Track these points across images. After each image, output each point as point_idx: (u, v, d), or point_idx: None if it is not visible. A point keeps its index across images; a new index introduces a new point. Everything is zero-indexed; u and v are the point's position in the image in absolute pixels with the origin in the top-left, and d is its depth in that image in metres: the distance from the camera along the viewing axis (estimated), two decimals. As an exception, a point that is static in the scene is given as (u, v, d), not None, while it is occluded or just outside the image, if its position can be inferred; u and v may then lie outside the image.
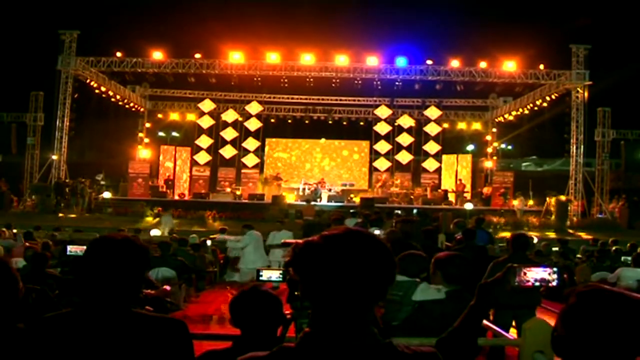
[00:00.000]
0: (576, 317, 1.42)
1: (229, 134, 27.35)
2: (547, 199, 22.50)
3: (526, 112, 25.97)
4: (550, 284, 1.82)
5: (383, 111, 27.30)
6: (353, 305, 1.35)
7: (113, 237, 1.95)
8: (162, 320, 1.89)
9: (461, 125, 29.64)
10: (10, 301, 2.08)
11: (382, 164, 27.27)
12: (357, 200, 24.28)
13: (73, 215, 20.90)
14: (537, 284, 1.81)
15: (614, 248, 12.40)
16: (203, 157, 27.30)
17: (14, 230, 13.00)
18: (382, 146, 27.40)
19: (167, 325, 1.86)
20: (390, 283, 1.41)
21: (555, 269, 1.84)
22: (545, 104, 24.48)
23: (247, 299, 2.59)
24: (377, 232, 6.80)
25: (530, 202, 24.13)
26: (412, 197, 25.09)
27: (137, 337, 1.78)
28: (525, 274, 1.80)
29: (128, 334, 1.78)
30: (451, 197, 25.31)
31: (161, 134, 31.89)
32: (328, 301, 1.35)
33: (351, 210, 16.34)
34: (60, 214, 20.91)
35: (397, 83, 24.84)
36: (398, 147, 27.32)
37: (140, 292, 1.96)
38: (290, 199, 24.21)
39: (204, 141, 27.48)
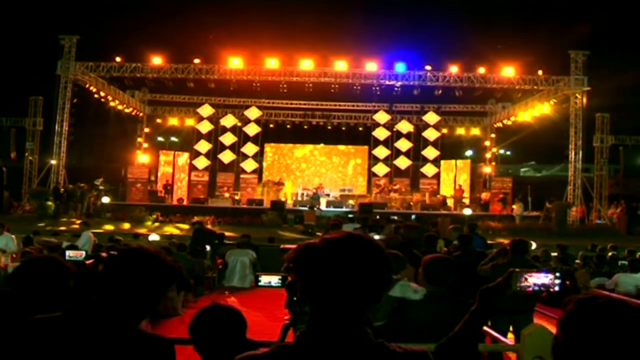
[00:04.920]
0: (575, 324, 1.41)
1: (228, 139, 27.35)
2: (547, 204, 22.49)
3: (525, 117, 25.99)
4: (551, 289, 1.82)
5: (382, 116, 27.32)
6: (349, 306, 1.40)
7: (147, 249, 1.94)
8: (149, 338, 1.84)
9: (460, 131, 29.67)
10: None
11: (381, 169, 27.28)
12: (351, 202, 24.36)
13: (74, 222, 20.86)
14: (539, 289, 1.81)
15: (610, 254, 12.40)
16: (202, 162, 27.30)
17: (13, 236, 12.94)
18: (381, 151, 27.41)
19: (153, 343, 1.82)
20: (387, 287, 1.46)
21: (557, 274, 1.83)
22: (544, 110, 24.51)
23: (206, 319, 2.37)
24: (376, 237, 6.81)
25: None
26: (410, 202, 25.08)
27: (120, 351, 1.76)
28: (526, 279, 1.80)
29: (111, 347, 1.75)
30: (450, 202, 25.31)
31: (160, 139, 31.90)
32: (326, 301, 1.40)
33: (349, 216, 16.36)
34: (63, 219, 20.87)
35: (396, 88, 24.86)
36: (397, 153, 27.34)
37: (153, 309, 1.95)
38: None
39: (203, 146, 27.48)
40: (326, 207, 23.20)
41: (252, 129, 27.54)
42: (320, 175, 28.88)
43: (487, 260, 6.46)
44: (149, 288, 1.86)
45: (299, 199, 24.89)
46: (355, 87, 24.79)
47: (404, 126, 27.65)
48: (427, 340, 2.62)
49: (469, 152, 31.43)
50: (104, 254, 8.04)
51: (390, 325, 3.30)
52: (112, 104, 25.93)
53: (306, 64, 23.66)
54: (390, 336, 1.45)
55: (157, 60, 23.74)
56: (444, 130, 28.57)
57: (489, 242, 10.97)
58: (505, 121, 27.63)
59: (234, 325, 2.38)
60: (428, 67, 23.96)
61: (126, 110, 27.37)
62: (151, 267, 1.87)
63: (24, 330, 1.78)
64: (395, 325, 3.28)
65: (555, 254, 13.08)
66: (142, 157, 29.03)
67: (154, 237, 15.81)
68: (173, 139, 32.71)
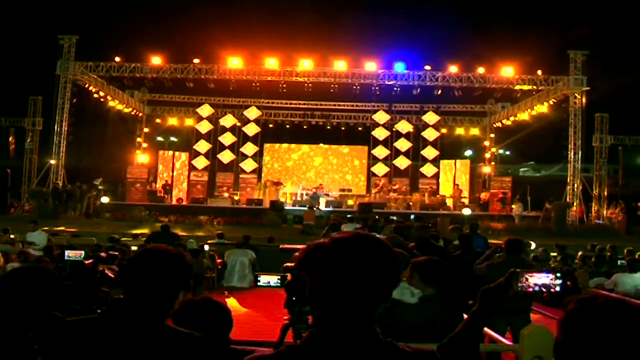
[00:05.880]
0: (576, 324, 1.41)
1: (228, 139, 27.35)
2: (546, 204, 22.50)
3: (524, 117, 26.01)
4: (552, 290, 1.81)
5: (381, 117, 27.31)
6: (359, 305, 1.41)
7: (167, 249, 1.97)
8: (185, 336, 1.88)
9: (459, 131, 29.67)
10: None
11: (381, 169, 27.27)
12: (351, 202, 24.37)
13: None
14: (540, 289, 1.80)
15: (609, 254, 12.40)
16: (201, 163, 27.29)
17: (12, 236, 12.95)
18: (381, 151, 27.40)
19: (189, 341, 1.86)
20: (395, 286, 1.47)
21: (558, 275, 1.82)
22: (543, 110, 24.52)
23: (190, 309, 2.34)
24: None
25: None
26: (410, 202, 25.08)
27: (160, 350, 1.79)
28: (527, 279, 1.79)
29: (151, 346, 1.79)
30: (449, 202, 25.31)
31: (160, 139, 31.89)
32: (336, 301, 1.41)
33: (348, 216, 16.33)
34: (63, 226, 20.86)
35: (395, 89, 24.86)
36: (396, 153, 27.31)
37: (173, 307, 1.99)
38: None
39: (203, 146, 27.47)
40: (326, 207, 23.19)
41: (251, 129, 27.54)
42: (321, 176, 28.86)
43: (482, 259, 6.44)
44: (175, 286, 1.91)
45: (299, 199, 24.86)
46: (355, 87, 24.79)
47: (404, 126, 27.64)
48: (416, 342, 2.63)
49: (468, 152, 31.44)
50: (103, 254, 8.02)
51: (380, 325, 3.30)
52: (111, 104, 25.92)
53: (306, 64, 23.65)
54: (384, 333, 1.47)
55: (156, 60, 23.73)
56: (444, 131, 28.56)
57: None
58: (504, 121, 27.64)
59: (216, 319, 2.36)
60: (428, 67, 23.97)
61: (126, 111, 27.36)
62: (176, 265, 1.91)
63: (66, 333, 1.81)
64: (387, 327, 3.28)
65: (555, 254, 13.09)
66: (142, 157, 29.02)
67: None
68: (173, 139, 32.72)
